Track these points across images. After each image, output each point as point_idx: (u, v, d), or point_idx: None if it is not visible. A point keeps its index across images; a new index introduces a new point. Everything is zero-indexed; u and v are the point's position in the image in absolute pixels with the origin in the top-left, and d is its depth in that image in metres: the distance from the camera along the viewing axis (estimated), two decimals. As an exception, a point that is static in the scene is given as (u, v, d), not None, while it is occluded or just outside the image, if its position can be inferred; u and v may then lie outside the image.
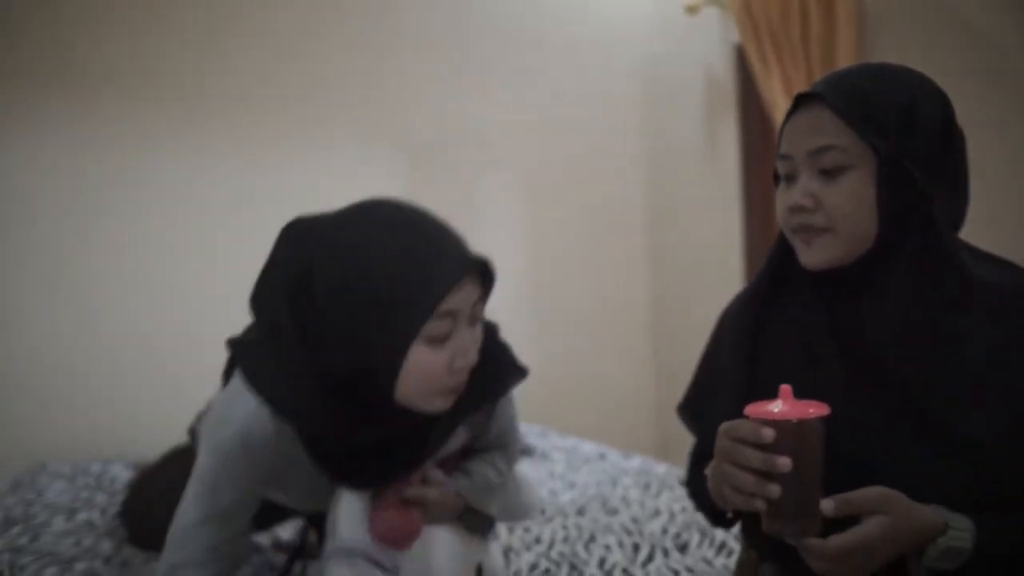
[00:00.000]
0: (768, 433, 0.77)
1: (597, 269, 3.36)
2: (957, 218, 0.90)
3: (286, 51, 2.79)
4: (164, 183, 2.64)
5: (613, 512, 1.86)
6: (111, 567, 1.58)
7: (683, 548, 1.62)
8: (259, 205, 2.69)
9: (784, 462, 0.76)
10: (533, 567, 1.55)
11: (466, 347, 0.99)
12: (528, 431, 2.67)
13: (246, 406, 1.01)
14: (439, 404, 1.01)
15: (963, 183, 0.88)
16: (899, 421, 0.82)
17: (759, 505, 0.78)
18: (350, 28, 2.89)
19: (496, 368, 1.12)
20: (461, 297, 0.96)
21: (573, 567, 1.54)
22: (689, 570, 1.52)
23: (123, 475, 2.24)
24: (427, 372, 0.97)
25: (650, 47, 3.37)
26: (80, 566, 1.57)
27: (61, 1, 2.51)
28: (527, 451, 2.47)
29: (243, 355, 1.05)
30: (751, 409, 0.79)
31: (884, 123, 0.83)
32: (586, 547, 1.64)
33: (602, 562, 1.57)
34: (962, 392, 0.81)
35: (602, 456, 2.42)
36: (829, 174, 0.85)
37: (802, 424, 0.76)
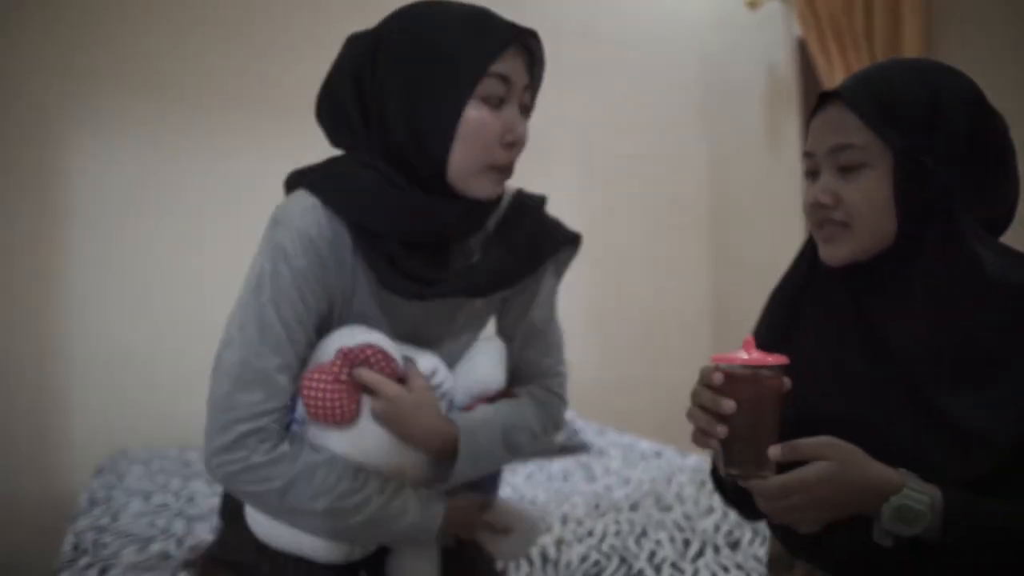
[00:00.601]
0: (718, 377, 0.82)
1: (657, 268, 3.35)
2: (1002, 208, 0.88)
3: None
4: (241, 179, 2.75)
5: (666, 508, 1.87)
6: (183, 547, 1.68)
7: (734, 545, 1.62)
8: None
9: (728, 404, 0.80)
10: (583, 559, 1.57)
11: (516, 122, 1.02)
12: (586, 428, 2.69)
13: (301, 205, 1.00)
14: (488, 187, 1.03)
15: (1004, 173, 0.86)
16: (913, 417, 0.82)
17: (712, 445, 0.83)
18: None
19: (545, 235, 1.14)
20: (514, 68, 1.02)
21: (623, 560, 1.56)
22: (739, 567, 1.52)
23: (196, 461, 2.35)
24: (481, 133, 0.99)
25: (711, 42, 3.35)
26: (155, 546, 1.67)
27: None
28: (583, 446, 2.49)
29: (297, 170, 1.07)
30: (717, 356, 0.84)
31: (901, 121, 0.83)
32: (637, 541, 1.66)
33: (652, 556, 1.58)
34: (972, 390, 0.80)
35: (658, 454, 2.43)
36: (848, 172, 0.86)
37: (751, 371, 0.81)
